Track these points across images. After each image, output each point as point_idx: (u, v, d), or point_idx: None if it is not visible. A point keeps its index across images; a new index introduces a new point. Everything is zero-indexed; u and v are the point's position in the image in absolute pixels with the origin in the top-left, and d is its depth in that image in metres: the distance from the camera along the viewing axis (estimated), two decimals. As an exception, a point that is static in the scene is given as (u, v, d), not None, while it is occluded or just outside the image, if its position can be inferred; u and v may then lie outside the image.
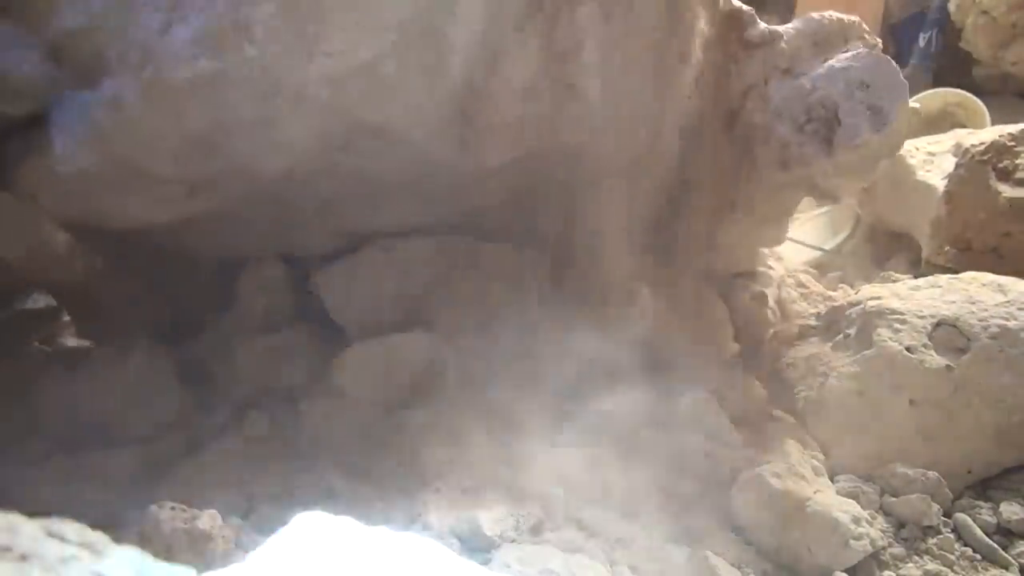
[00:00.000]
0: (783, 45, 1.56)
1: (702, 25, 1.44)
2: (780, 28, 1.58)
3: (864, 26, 1.63)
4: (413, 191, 1.51)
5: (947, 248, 1.91)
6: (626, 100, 1.45)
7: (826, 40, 1.58)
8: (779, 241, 1.81)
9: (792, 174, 1.55)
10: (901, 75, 1.52)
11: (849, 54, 1.54)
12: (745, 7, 1.55)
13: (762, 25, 1.57)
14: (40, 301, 2.01)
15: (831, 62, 1.54)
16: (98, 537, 0.61)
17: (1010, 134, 1.86)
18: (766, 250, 1.91)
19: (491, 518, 1.11)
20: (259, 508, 1.19)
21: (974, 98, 2.64)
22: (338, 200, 1.51)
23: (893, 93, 1.49)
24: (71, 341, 2.05)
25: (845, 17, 1.60)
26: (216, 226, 1.52)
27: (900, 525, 1.22)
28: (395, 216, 1.58)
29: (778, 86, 1.55)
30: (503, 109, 1.36)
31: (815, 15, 1.60)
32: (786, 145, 1.53)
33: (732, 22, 1.54)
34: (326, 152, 1.36)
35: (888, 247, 2.33)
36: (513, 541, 1.10)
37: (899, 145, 1.61)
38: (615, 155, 1.53)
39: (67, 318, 2.04)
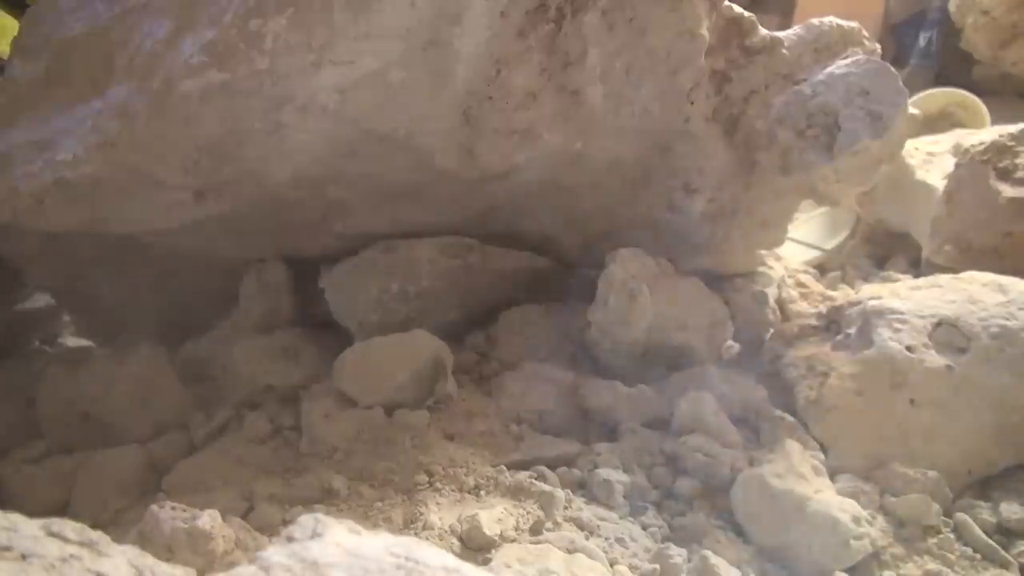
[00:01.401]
0: (784, 51, 1.57)
1: (704, 31, 1.44)
2: (781, 34, 1.59)
3: (864, 32, 1.63)
4: (417, 195, 1.51)
5: (947, 248, 1.91)
6: (628, 106, 1.45)
7: (827, 46, 1.59)
8: (779, 243, 1.82)
9: (793, 179, 1.56)
10: (900, 82, 1.53)
11: (849, 60, 1.55)
12: (747, 14, 1.56)
13: (763, 31, 1.57)
14: (40, 301, 2.01)
15: (831, 68, 1.55)
16: (98, 537, 0.61)
17: (1010, 134, 1.86)
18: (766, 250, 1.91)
19: (491, 518, 1.11)
20: (259, 508, 1.19)
21: (974, 98, 2.63)
22: (342, 204, 1.51)
23: (892, 100, 1.50)
24: (71, 341, 2.06)
25: (845, 23, 1.61)
26: (221, 229, 1.52)
27: (900, 525, 1.22)
28: (399, 219, 1.58)
29: (779, 92, 1.56)
30: (507, 115, 1.37)
31: (815, 21, 1.61)
32: (787, 150, 1.54)
33: (733, 28, 1.55)
34: (333, 159, 1.37)
35: (888, 247, 2.33)
36: (513, 541, 1.09)
37: (898, 151, 1.62)
38: (617, 159, 1.54)
39: (67, 318, 2.04)
